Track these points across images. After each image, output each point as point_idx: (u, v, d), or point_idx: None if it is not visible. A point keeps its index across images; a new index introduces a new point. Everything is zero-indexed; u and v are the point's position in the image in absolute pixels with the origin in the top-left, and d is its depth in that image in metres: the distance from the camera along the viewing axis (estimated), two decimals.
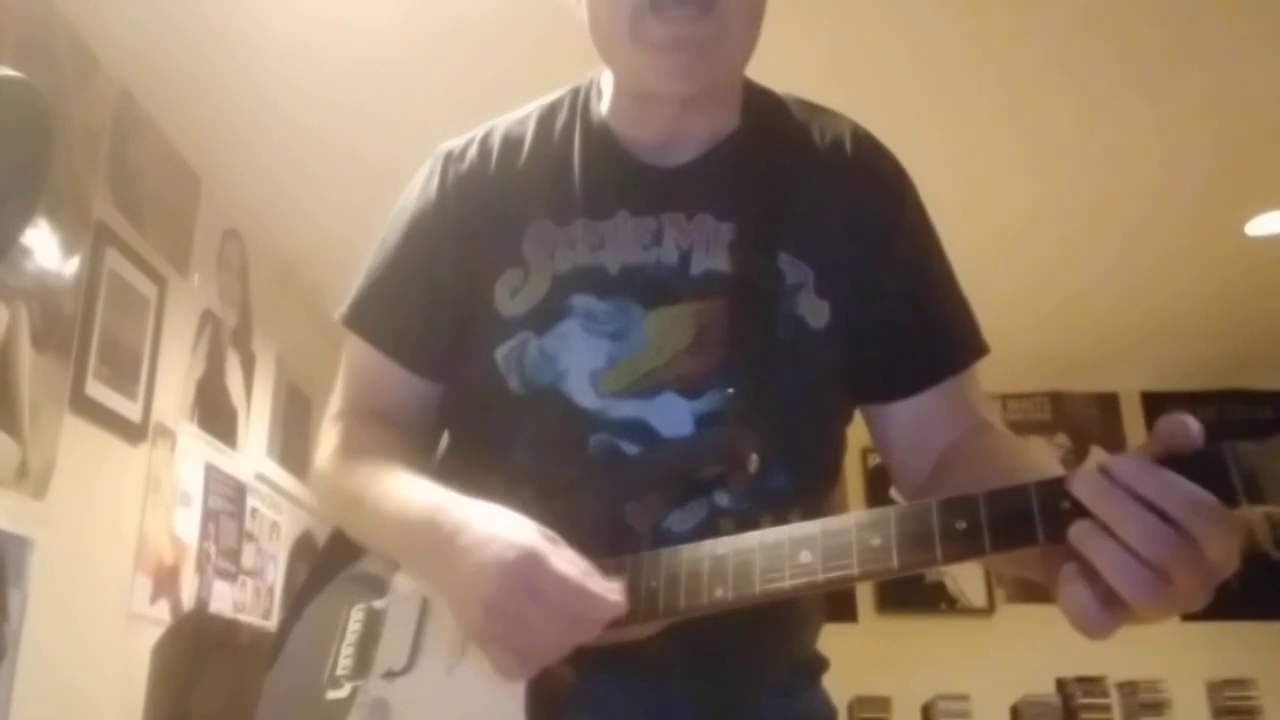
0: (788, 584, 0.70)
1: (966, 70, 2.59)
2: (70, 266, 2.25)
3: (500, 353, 0.91)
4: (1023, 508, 0.63)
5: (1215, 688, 4.26)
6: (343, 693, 0.89)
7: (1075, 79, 2.61)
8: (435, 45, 2.45)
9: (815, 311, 0.90)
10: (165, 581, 2.62)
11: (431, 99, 2.65)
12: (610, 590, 0.73)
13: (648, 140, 0.95)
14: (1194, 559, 0.59)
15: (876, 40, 2.47)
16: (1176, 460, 0.61)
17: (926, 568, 0.68)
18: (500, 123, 1.03)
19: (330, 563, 1.01)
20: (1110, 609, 0.62)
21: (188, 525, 2.78)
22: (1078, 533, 0.61)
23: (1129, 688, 4.20)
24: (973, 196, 3.04)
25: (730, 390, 0.87)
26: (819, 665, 0.99)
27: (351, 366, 1.04)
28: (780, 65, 1.03)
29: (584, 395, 0.88)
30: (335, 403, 1.04)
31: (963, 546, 0.65)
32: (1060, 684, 4.22)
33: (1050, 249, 3.47)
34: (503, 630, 0.73)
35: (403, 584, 0.92)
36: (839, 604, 4.22)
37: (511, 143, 1.00)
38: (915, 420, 0.94)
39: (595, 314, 0.90)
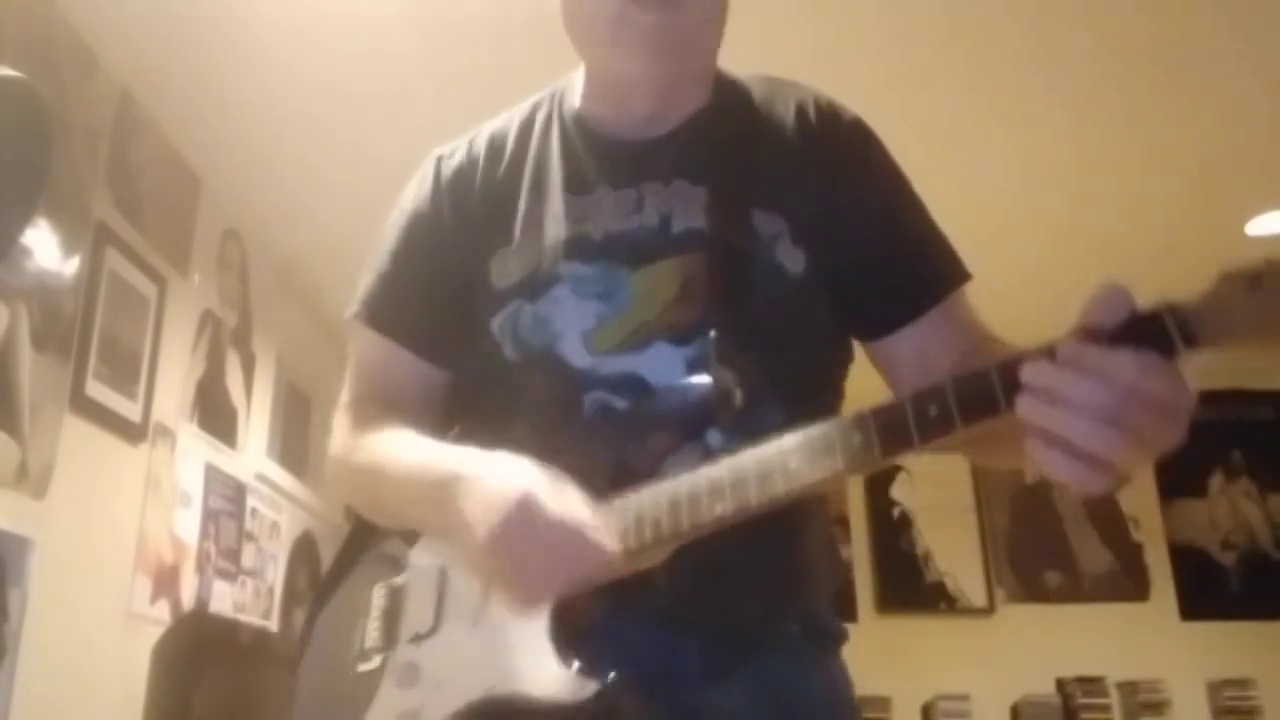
0: (781, 489, 0.76)
1: (964, 70, 2.59)
2: (70, 266, 2.25)
3: (496, 322, 0.97)
4: (985, 386, 0.70)
5: (1215, 688, 4.26)
6: (373, 664, 0.94)
7: (1073, 79, 2.61)
8: (437, 46, 2.45)
9: (792, 258, 0.96)
10: (165, 581, 2.62)
11: (434, 101, 2.65)
12: (603, 535, 0.79)
13: (624, 122, 1.03)
14: (1141, 403, 0.65)
15: (862, 39, 2.47)
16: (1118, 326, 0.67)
17: (906, 451, 0.74)
18: (486, 126, 1.10)
19: (351, 550, 1.07)
20: (1086, 462, 0.66)
21: (188, 525, 2.78)
22: (1023, 404, 0.67)
23: (1129, 688, 4.20)
24: (969, 196, 3.04)
25: (713, 333, 0.91)
26: (835, 633, 1.02)
27: (361, 360, 1.09)
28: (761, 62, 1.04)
29: (577, 355, 0.93)
30: (345, 395, 1.09)
31: (937, 427, 0.72)
32: (1060, 684, 4.21)
33: (1048, 248, 3.47)
34: (506, 568, 0.81)
35: (420, 558, 0.97)
36: (839, 604, 4.21)
37: (496, 140, 1.08)
38: (915, 350, 0.97)
39: (583, 278, 0.95)
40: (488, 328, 0.97)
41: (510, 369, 0.95)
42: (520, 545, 0.79)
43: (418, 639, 0.92)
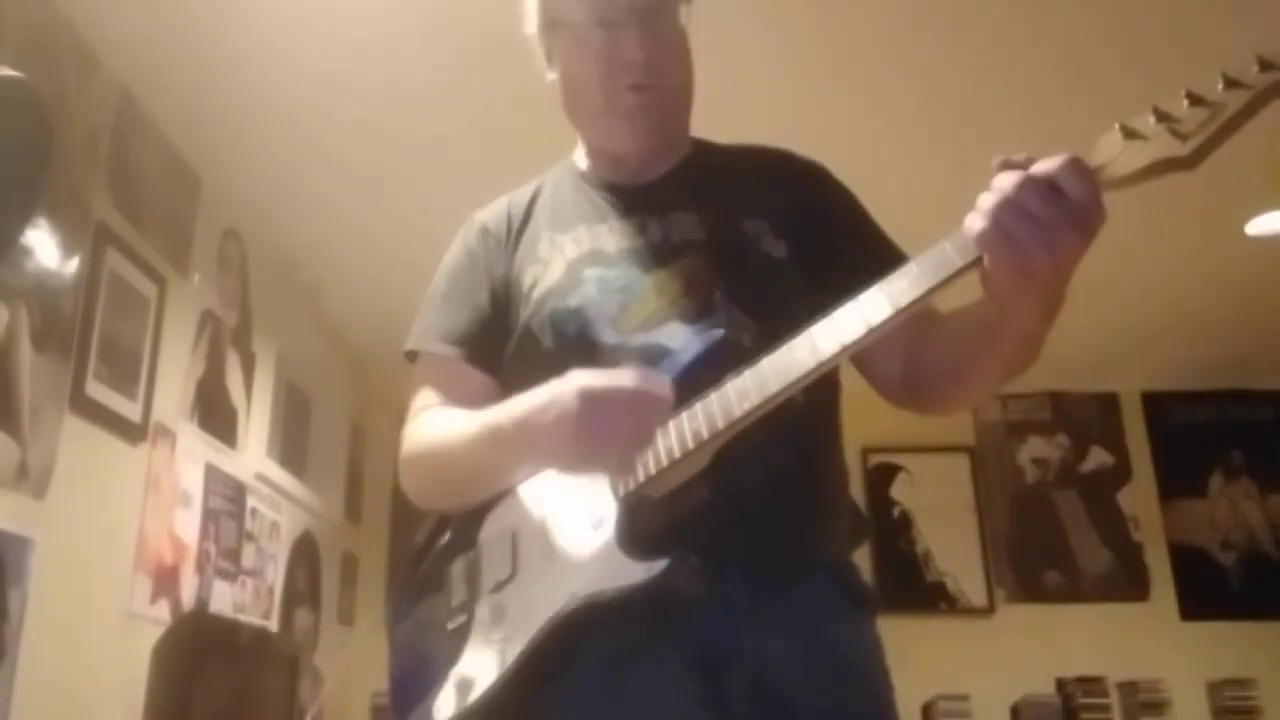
0: (795, 374, 0.93)
1: (965, 74, 2.60)
2: (70, 266, 2.25)
3: (536, 322, 1.15)
4: (944, 256, 0.89)
5: (1215, 688, 4.26)
6: (461, 619, 1.08)
7: (1074, 77, 2.61)
8: (436, 49, 2.45)
9: (776, 248, 1.16)
10: (165, 581, 2.62)
11: (428, 101, 2.65)
12: (653, 381, 0.97)
13: (622, 176, 1.25)
14: (1056, 200, 0.84)
15: (878, 42, 2.48)
16: None
17: (907, 315, 0.90)
18: (509, 194, 1.32)
19: (425, 549, 1.20)
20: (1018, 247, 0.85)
21: (188, 525, 2.78)
22: (970, 221, 0.87)
23: (1129, 688, 4.20)
24: (971, 197, 3.04)
25: (718, 293, 1.09)
26: (869, 597, 1.13)
27: (426, 381, 1.24)
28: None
29: (607, 335, 1.10)
30: (413, 408, 1.23)
31: (909, 299, 0.89)
32: (1060, 684, 4.21)
33: None
34: (602, 443, 0.96)
35: (488, 532, 1.10)
36: None
37: (517, 200, 1.30)
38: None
39: (605, 279, 1.14)
40: (529, 327, 1.16)
41: (550, 355, 1.11)
42: (601, 421, 0.95)
43: (499, 586, 1.06)
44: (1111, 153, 0.85)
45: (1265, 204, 3.31)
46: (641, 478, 0.99)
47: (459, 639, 1.06)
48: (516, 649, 1.00)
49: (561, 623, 0.98)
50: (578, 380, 0.98)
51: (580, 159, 1.31)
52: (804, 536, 1.08)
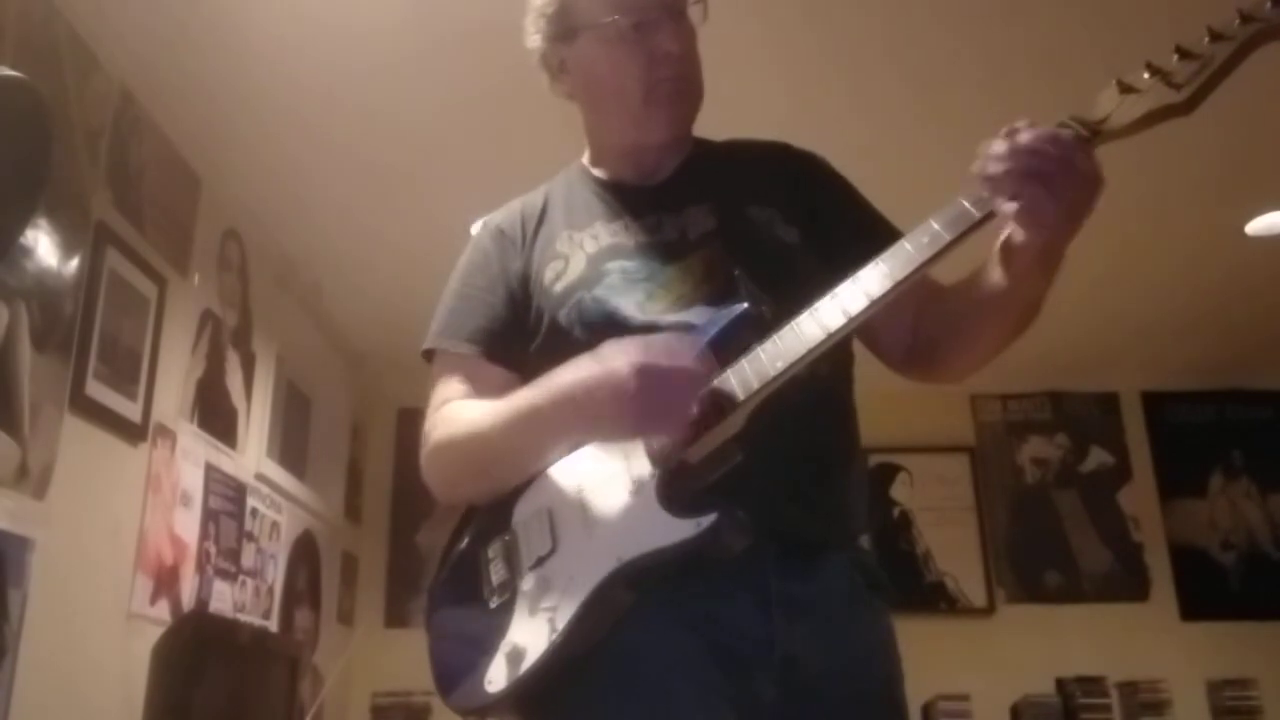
0: (819, 334, 0.99)
1: (961, 73, 2.60)
2: (70, 266, 2.25)
3: (562, 314, 1.18)
4: (960, 210, 0.99)
5: (1215, 688, 4.26)
6: (504, 596, 1.09)
7: (1072, 77, 2.61)
8: (435, 48, 2.45)
9: (788, 233, 1.21)
10: (165, 581, 2.62)
11: (431, 101, 2.65)
12: (700, 355, 1.02)
13: (634, 177, 1.29)
14: (1062, 163, 0.92)
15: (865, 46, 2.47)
16: None
17: (920, 273, 0.98)
18: (520, 198, 1.35)
19: (456, 540, 1.21)
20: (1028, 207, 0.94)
21: (188, 525, 2.78)
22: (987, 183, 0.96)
23: (1129, 688, 4.20)
24: (951, 185, 3.04)
25: (738, 271, 1.12)
26: (884, 583, 1.18)
27: (445, 379, 1.26)
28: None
29: (635, 319, 1.13)
30: (435, 402, 1.25)
31: (931, 253, 0.97)
32: (1060, 684, 4.21)
33: None
34: (649, 412, 0.99)
35: (522, 513, 1.12)
36: None
37: (530, 203, 1.33)
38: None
39: (629, 270, 1.18)
40: (556, 320, 1.18)
41: (581, 345, 1.11)
42: (657, 397, 0.98)
43: (541, 561, 1.07)
44: (1109, 107, 0.93)
45: (1265, 204, 3.31)
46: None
47: (503, 615, 1.07)
48: (566, 616, 1.02)
49: (610, 583, 1.00)
50: (626, 355, 1.01)
51: (589, 164, 1.34)
52: (830, 499, 1.14)
